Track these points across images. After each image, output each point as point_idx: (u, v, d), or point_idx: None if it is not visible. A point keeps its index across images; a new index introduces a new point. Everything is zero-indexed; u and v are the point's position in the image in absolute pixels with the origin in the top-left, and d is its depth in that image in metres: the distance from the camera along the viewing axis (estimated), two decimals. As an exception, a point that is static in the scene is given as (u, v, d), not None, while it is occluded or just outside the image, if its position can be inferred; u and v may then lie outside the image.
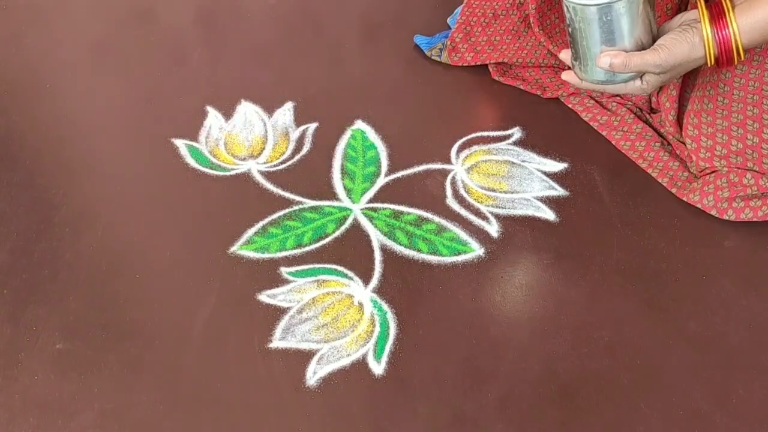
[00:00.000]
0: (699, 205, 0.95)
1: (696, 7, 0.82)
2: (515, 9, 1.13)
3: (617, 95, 1.06)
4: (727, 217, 0.93)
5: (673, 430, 0.76)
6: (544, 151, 1.04)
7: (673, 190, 0.97)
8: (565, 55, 0.87)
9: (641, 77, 0.81)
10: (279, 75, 1.18)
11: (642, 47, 0.80)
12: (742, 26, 0.76)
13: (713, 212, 0.94)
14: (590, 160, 1.02)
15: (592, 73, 0.83)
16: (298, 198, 0.99)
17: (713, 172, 0.96)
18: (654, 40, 0.81)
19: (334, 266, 0.91)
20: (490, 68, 1.15)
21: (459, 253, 0.92)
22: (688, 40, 0.78)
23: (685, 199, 0.96)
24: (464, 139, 1.06)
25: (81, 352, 0.83)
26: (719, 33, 0.77)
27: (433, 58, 1.19)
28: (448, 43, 1.16)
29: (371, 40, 1.25)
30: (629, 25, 0.79)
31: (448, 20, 1.25)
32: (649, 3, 0.79)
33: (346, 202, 0.99)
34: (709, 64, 0.79)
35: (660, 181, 0.99)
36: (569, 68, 0.88)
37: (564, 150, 1.04)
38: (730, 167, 0.94)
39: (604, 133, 1.05)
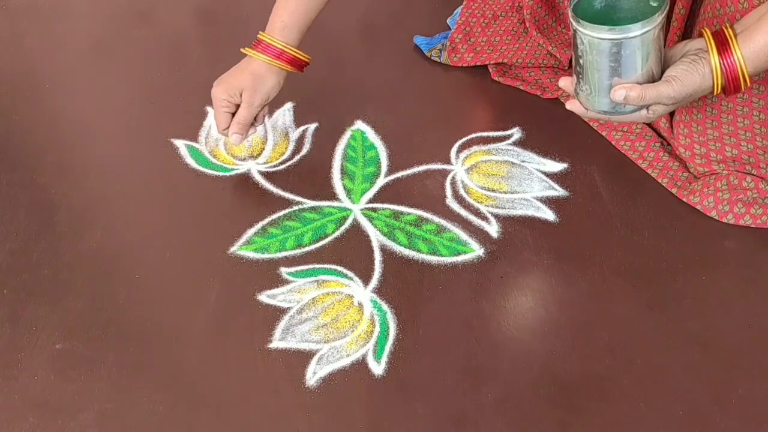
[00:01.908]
0: (699, 207, 0.95)
1: (698, 36, 0.82)
2: (514, 11, 1.13)
3: None
4: (726, 221, 0.93)
5: (673, 430, 0.76)
6: (544, 152, 1.04)
7: (673, 190, 0.97)
8: (565, 83, 0.85)
9: (648, 107, 0.81)
10: (279, 75, 1.18)
11: (653, 78, 0.80)
12: (745, 54, 0.77)
13: (713, 214, 0.94)
14: (590, 160, 1.02)
15: (600, 104, 0.82)
16: (297, 198, 0.99)
17: (713, 174, 0.96)
18: (663, 71, 0.81)
19: (333, 266, 0.91)
20: (490, 69, 1.15)
21: (459, 254, 0.92)
22: (699, 71, 0.78)
23: (685, 199, 0.96)
24: (464, 139, 1.06)
25: (81, 351, 0.83)
26: (725, 62, 0.77)
27: (432, 58, 1.19)
28: (448, 43, 1.16)
29: (371, 40, 1.25)
30: (643, 58, 0.78)
31: (448, 21, 1.25)
32: (662, 34, 0.79)
33: (345, 202, 0.99)
34: (716, 93, 0.80)
35: (660, 182, 0.99)
36: (573, 97, 0.87)
37: (564, 150, 1.04)
38: (729, 170, 0.94)
39: (603, 133, 1.05)
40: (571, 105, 0.86)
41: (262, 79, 0.96)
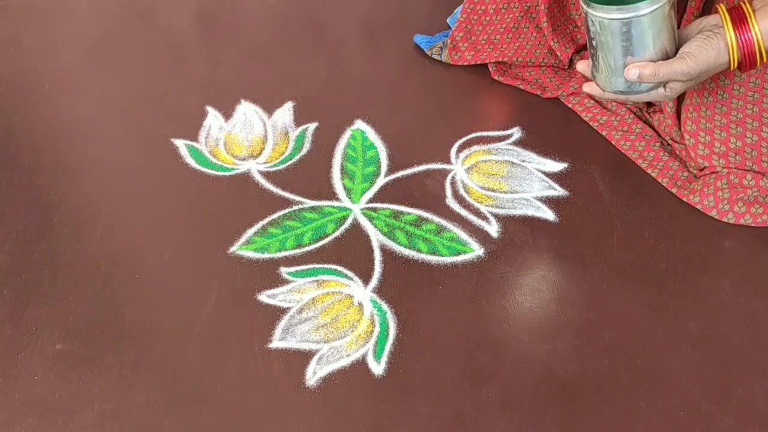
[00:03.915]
0: (699, 206, 0.95)
1: (714, 13, 0.82)
2: (516, 2, 1.14)
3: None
4: (726, 220, 0.93)
5: (674, 430, 0.76)
6: (544, 151, 1.04)
7: (674, 190, 0.97)
8: (582, 66, 0.86)
9: (665, 85, 0.82)
10: (279, 75, 1.18)
11: (666, 55, 0.80)
12: (764, 29, 0.77)
13: (713, 213, 0.94)
14: (590, 160, 1.02)
15: (616, 84, 0.83)
16: (297, 198, 0.99)
17: (713, 173, 0.96)
18: (677, 48, 0.81)
19: (333, 266, 0.91)
20: (490, 68, 1.15)
21: (459, 253, 0.92)
22: (714, 46, 0.79)
23: (685, 199, 0.96)
24: (464, 139, 1.06)
25: (80, 352, 0.83)
26: (742, 37, 0.78)
27: (433, 56, 1.19)
28: (449, 41, 1.16)
29: (371, 40, 1.25)
30: (654, 36, 0.78)
31: (448, 20, 1.25)
32: (673, 11, 0.79)
33: (345, 202, 0.99)
34: (732, 68, 0.80)
35: (660, 181, 0.99)
36: (588, 79, 0.87)
37: (564, 150, 1.04)
38: (729, 167, 0.94)
39: (603, 133, 1.05)
40: (589, 87, 0.86)
41: None
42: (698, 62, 0.78)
